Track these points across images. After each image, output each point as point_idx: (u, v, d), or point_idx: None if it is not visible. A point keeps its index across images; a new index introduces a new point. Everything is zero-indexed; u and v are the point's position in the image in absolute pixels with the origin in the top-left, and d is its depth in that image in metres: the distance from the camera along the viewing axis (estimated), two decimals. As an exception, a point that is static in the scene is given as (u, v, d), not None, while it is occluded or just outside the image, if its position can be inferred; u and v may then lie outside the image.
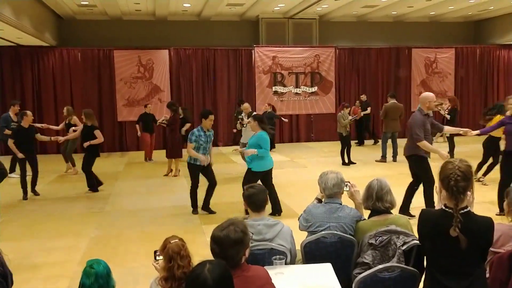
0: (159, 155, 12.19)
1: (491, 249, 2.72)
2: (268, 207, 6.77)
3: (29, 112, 8.39)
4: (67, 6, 13.13)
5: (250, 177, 6.41)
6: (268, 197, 6.56)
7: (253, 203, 3.33)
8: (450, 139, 10.93)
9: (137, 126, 12.00)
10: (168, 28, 15.10)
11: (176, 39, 14.94)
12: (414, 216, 6.01)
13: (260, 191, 3.36)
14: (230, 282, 2.06)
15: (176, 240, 2.68)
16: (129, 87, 14.48)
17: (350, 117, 11.11)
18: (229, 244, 2.37)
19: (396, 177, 8.20)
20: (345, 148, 10.87)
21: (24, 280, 4.71)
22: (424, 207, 2.82)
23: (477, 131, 6.61)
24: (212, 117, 6.81)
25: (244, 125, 9.75)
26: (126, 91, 14.46)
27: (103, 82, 14.35)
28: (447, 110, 11.28)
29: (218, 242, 2.40)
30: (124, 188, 9.04)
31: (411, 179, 6.58)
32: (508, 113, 6.54)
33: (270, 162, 6.62)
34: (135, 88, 14.51)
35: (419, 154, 6.14)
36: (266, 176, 6.59)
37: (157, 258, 2.81)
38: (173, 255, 2.59)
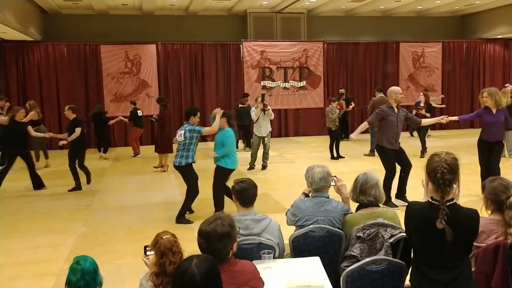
0: (148, 150, 12.14)
1: (474, 243, 2.74)
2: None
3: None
4: (52, 0, 12.94)
5: (222, 175, 6.35)
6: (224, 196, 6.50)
7: (243, 198, 3.31)
8: (423, 140, 10.98)
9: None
10: (155, 22, 14.98)
11: (163, 33, 14.82)
12: (397, 207, 6.32)
13: (250, 186, 3.34)
14: (218, 277, 2.04)
15: (168, 236, 2.65)
16: (116, 82, 14.35)
17: (338, 111, 11.16)
18: (216, 238, 2.36)
19: (384, 171, 8.23)
20: (334, 142, 10.91)
21: (10, 278, 4.67)
22: (413, 200, 2.82)
23: (456, 117, 7.01)
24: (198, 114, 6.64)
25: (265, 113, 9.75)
26: (113, 86, 14.33)
27: (90, 78, 14.20)
28: (424, 106, 11.34)
29: (205, 237, 2.39)
30: (111, 185, 8.96)
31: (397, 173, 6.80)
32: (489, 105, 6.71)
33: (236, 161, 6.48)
34: (123, 84, 14.38)
35: (380, 145, 6.70)
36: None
37: (147, 253, 2.79)
38: (165, 251, 2.57)
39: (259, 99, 10.13)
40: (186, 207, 6.43)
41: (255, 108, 10.03)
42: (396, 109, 6.60)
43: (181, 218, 6.32)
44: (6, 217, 6.89)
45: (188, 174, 6.37)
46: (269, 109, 9.79)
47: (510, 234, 2.67)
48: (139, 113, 11.96)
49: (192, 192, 6.39)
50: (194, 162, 6.38)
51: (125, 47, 14.32)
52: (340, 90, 14.32)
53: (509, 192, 2.85)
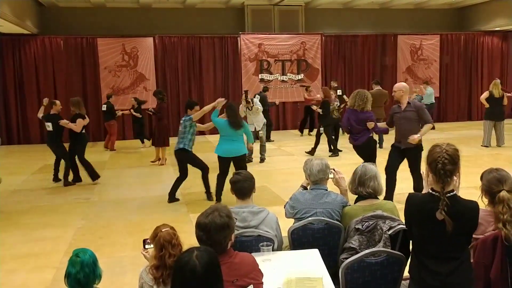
0: (146, 143, 12.13)
1: (473, 235, 2.75)
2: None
3: (58, 102, 8.57)
4: (48, -7, 12.86)
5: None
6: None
7: (238, 189, 3.32)
8: (318, 134, 10.57)
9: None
10: (152, 15, 14.90)
11: (161, 26, 14.75)
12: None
13: (245, 178, 3.34)
14: (219, 269, 2.06)
15: (168, 229, 2.66)
16: (114, 75, 14.30)
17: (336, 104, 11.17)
18: (215, 229, 2.37)
19: (382, 163, 8.24)
20: (333, 135, 10.90)
21: (9, 271, 4.67)
22: (412, 192, 2.82)
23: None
24: (198, 107, 7.12)
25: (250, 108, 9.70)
26: (110, 79, 14.28)
27: (87, 71, 14.14)
28: (318, 104, 10.88)
29: (204, 229, 2.39)
30: (110, 178, 8.95)
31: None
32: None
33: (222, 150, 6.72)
34: (120, 77, 14.34)
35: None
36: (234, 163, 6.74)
37: (147, 246, 2.80)
38: (164, 243, 2.58)
39: (243, 95, 10.13)
40: (207, 184, 7.00)
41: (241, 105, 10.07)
42: (402, 106, 6.29)
43: (217, 194, 6.76)
44: (5, 210, 6.89)
45: (182, 159, 6.91)
46: (253, 105, 9.74)
47: (500, 228, 2.68)
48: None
49: (204, 170, 6.95)
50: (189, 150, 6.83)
51: (122, 40, 14.25)
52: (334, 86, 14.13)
53: (501, 186, 2.80)
